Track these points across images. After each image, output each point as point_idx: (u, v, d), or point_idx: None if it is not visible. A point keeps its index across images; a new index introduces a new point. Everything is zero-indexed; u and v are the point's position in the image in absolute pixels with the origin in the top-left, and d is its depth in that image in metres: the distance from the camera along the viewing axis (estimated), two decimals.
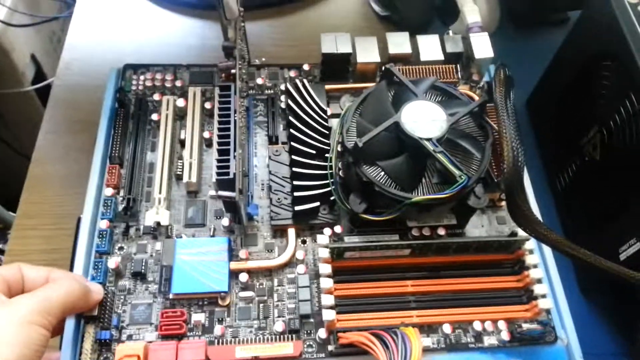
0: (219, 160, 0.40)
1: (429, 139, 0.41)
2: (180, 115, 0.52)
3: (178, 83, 0.53)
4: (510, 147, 0.36)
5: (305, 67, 0.55)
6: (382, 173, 0.43)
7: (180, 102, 0.51)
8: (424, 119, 0.42)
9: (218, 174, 0.39)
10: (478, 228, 0.48)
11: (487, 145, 0.44)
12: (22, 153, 1.00)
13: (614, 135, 0.49)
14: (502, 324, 0.43)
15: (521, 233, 0.44)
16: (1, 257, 0.98)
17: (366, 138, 0.41)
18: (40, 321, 0.34)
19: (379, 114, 0.44)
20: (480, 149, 0.44)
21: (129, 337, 0.41)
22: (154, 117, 0.51)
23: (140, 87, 0.53)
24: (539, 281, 0.43)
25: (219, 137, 0.41)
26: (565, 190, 0.57)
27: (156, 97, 0.52)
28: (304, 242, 0.47)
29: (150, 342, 0.41)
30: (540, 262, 0.44)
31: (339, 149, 0.46)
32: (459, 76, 0.53)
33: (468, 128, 0.46)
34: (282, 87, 0.54)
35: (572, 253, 0.37)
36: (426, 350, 0.42)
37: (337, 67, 0.54)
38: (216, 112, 0.43)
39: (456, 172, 0.40)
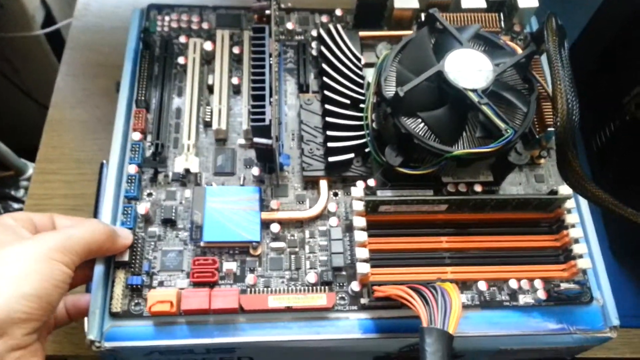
0: (253, 106, 0.38)
1: (473, 90, 0.40)
2: (207, 60, 0.49)
3: (205, 25, 0.51)
4: (566, 99, 0.34)
5: (338, 12, 0.52)
6: (422, 125, 0.41)
7: (208, 46, 0.49)
8: (468, 69, 0.40)
9: (253, 119, 0.38)
10: (515, 186, 0.47)
11: (532, 98, 0.42)
12: (33, 97, 0.98)
13: None
14: (538, 283, 0.42)
15: (562, 191, 0.42)
16: (13, 204, 0.98)
17: (408, 87, 0.39)
18: (61, 258, 0.34)
19: (420, 63, 0.42)
20: (525, 103, 0.42)
21: (160, 284, 0.41)
22: (181, 60, 0.49)
23: (166, 29, 0.51)
24: (577, 241, 0.42)
25: (254, 81, 0.39)
26: (601, 149, 0.56)
27: (182, 39, 0.50)
28: (335, 194, 0.45)
29: (182, 289, 0.40)
30: (579, 222, 0.43)
31: (375, 99, 0.44)
32: (501, 26, 0.50)
33: (512, 80, 0.44)
34: (314, 33, 0.51)
35: (619, 212, 0.36)
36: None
37: (372, 13, 0.51)
38: (249, 55, 0.42)
39: (502, 125, 0.39)
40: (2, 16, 0.82)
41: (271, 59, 0.40)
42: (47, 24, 0.91)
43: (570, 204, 0.43)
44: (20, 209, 0.90)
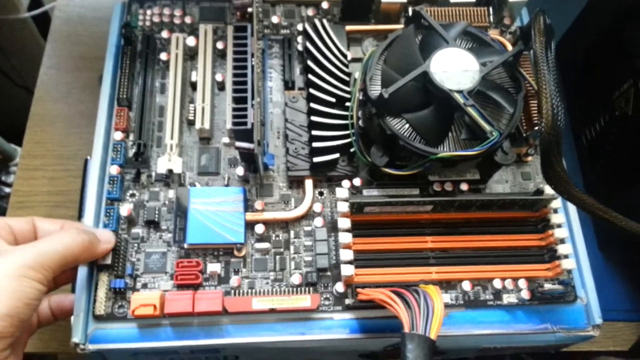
0: (235, 109, 0.38)
1: (459, 91, 0.39)
2: (190, 55, 0.48)
3: (187, 19, 0.49)
4: (551, 104, 0.34)
5: (324, 4, 0.51)
6: (407, 126, 0.41)
7: (191, 41, 0.48)
8: (454, 69, 0.39)
9: (234, 123, 0.37)
10: (502, 183, 0.47)
11: (519, 98, 0.42)
12: (20, 84, 0.97)
13: None
14: (522, 283, 0.42)
15: (547, 191, 0.42)
16: (4, 187, 0.97)
17: (392, 89, 0.39)
18: (34, 275, 0.33)
19: (406, 62, 0.41)
20: (511, 102, 0.41)
21: (144, 286, 0.41)
22: (163, 56, 0.48)
23: (148, 23, 0.49)
24: (562, 241, 0.42)
25: (235, 83, 0.38)
26: (590, 144, 0.55)
27: (164, 34, 0.48)
28: (321, 194, 0.45)
29: (166, 291, 0.40)
30: (565, 222, 0.43)
31: (361, 97, 0.43)
32: (490, 20, 0.49)
33: (500, 79, 0.43)
34: (300, 27, 0.50)
35: (604, 216, 0.36)
36: (444, 306, 0.41)
37: (359, 6, 0.50)
38: (231, 55, 0.40)
39: (487, 127, 0.38)
40: None
41: (253, 59, 0.39)
42: (34, 7, 0.89)
43: (556, 203, 0.42)
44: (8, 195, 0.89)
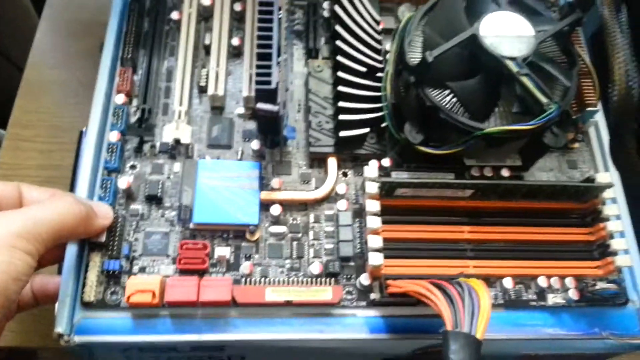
0: (259, 67, 0.33)
1: (512, 58, 0.34)
2: (204, 17, 0.44)
3: None
4: (625, 71, 0.29)
5: None
6: (449, 97, 0.36)
7: (206, 0, 0.43)
8: (507, 34, 0.35)
9: (258, 82, 0.32)
10: (545, 172, 0.42)
11: (574, 72, 0.37)
12: (10, 59, 0.91)
13: None
14: (569, 281, 0.37)
15: (600, 179, 0.38)
16: None
17: (438, 52, 0.34)
18: (24, 246, 0.28)
19: (451, 26, 0.36)
20: (567, 76, 0.36)
21: (142, 270, 0.36)
22: (174, 15, 0.43)
23: None
24: (613, 236, 0.38)
25: (260, 37, 0.33)
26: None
27: None
28: (345, 174, 0.40)
29: (167, 276, 0.35)
30: (617, 214, 0.38)
31: (394, 68, 0.39)
32: None
33: (551, 52, 0.39)
34: None
35: None
36: None
37: None
38: (253, 13, 0.36)
39: (544, 99, 0.33)
40: None
41: (280, 12, 0.34)
42: None
43: (609, 193, 0.38)
44: None
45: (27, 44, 0.54)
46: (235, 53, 0.43)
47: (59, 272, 0.36)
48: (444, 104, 0.36)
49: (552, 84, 0.37)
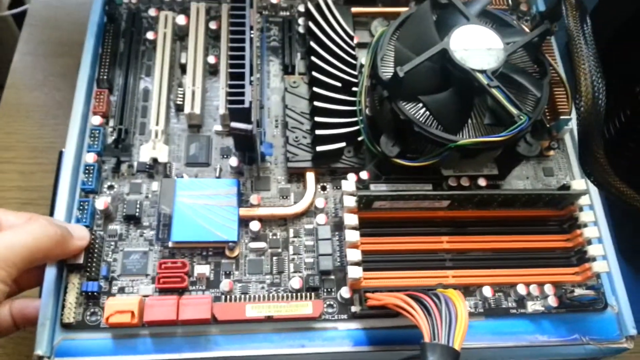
0: (231, 86, 0.33)
1: (482, 71, 0.35)
2: (180, 36, 0.44)
3: None
4: (591, 81, 0.30)
5: None
6: (423, 110, 0.37)
7: (181, 20, 0.43)
8: (476, 47, 0.36)
9: (231, 102, 0.32)
10: (522, 180, 0.42)
11: (544, 82, 0.38)
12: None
13: None
14: (548, 288, 0.38)
15: (575, 186, 0.38)
16: None
17: (408, 67, 0.34)
18: None
19: (422, 41, 0.37)
20: (538, 86, 0.37)
21: (121, 290, 0.36)
22: (150, 35, 0.43)
23: (134, 0, 0.45)
24: (591, 242, 0.38)
25: (232, 57, 0.34)
26: (613, 140, 0.51)
27: (152, 12, 0.44)
28: (323, 188, 0.40)
29: (146, 296, 0.35)
30: (594, 220, 0.39)
31: (369, 82, 0.39)
32: (509, 3, 0.45)
33: (522, 62, 0.39)
34: (301, 8, 0.46)
35: None
36: None
37: None
38: (227, 31, 0.36)
39: (514, 111, 0.34)
40: None
41: (252, 32, 0.34)
42: (15, 5, 0.85)
43: (585, 200, 0.38)
44: None
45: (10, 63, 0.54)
46: (211, 71, 0.43)
47: (40, 295, 0.36)
48: (417, 117, 0.36)
49: (523, 94, 0.37)
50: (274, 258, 0.38)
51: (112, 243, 0.37)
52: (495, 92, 0.34)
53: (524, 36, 0.38)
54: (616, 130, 0.51)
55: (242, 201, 0.39)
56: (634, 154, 0.49)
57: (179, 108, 0.41)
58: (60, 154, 0.46)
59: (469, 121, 0.37)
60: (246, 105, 0.32)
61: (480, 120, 0.37)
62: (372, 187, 0.39)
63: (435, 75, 0.37)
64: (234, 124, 0.33)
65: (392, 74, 0.35)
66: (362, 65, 0.43)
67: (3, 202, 0.48)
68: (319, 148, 0.39)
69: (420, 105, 0.36)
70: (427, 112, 0.36)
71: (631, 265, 0.51)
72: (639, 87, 0.48)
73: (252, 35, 0.34)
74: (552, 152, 0.43)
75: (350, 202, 0.36)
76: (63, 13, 0.56)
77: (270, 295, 0.36)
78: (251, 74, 0.33)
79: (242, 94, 0.33)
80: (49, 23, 0.56)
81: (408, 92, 0.36)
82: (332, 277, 0.37)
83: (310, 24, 0.43)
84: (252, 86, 0.33)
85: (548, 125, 0.41)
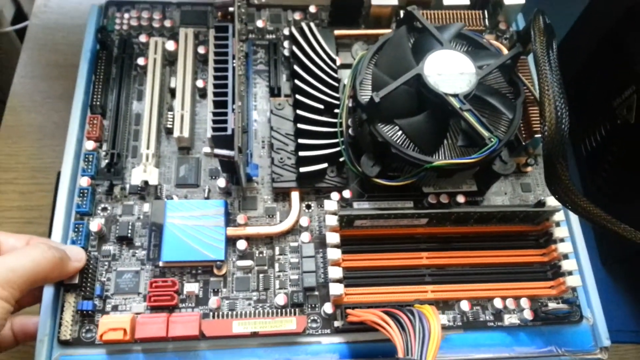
0: (215, 114, 0.35)
1: (454, 95, 0.36)
2: (170, 61, 0.46)
3: (167, 23, 0.47)
4: (554, 106, 0.31)
5: (312, 9, 0.49)
6: (400, 133, 0.38)
7: (170, 45, 0.45)
8: (449, 72, 0.37)
9: (214, 129, 0.34)
10: (501, 195, 0.44)
11: (518, 103, 0.39)
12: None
13: None
14: (524, 302, 0.39)
15: (549, 202, 0.39)
16: None
17: (383, 92, 0.36)
18: (1, 293, 0.31)
19: (398, 65, 0.38)
20: (510, 108, 0.38)
21: (114, 308, 0.37)
22: (140, 61, 0.45)
23: (125, 27, 0.47)
24: (566, 256, 0.39)
25: (215, 86, 0.35)
26: (590, 155, 0.53)
27: (142, 38, 0.46)
28: (308, 207, 0.42)
29: (138, 313, 0.37)
30: (568, 235, 0.40)
31: (351, 104, 0.41)
32: (486, 24, 0.47)
33: (497, 83, 0.41)
34: (286, 31, 0.48)
35: (612, 228, 0.33)
36: (442, 328, 0.38)
37: (348, 10, 0.48)
38: (211, 57, 0.38)
39: (485, 133, 0.35)
40: None
41: (234, 61, 0.36)
42: (18, 21, 0.87)
43: (559, 216, 0.40)
44: None
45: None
46: (201, 94, 0.45)
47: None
48: (395, 139, 0.38)
49: (497, 115, 0.39)
50: (261, 275, 0.39)
51: (106, 263, 0.39)
52: (467, 115, 0.36)
53: (498, 58, 0.39)
54: (597, 144, 0.53)
55: (230, 220, 0.40)
56: (612, 167, 0.50)
57: (169, 131, 0.43)
58: (58, 174, 0.48)
59: (445, 142, 0.38)
60: (228, 132, 0.34)
61: (455, 141, 0.38)
62: (355, 205, 0.41)
63: (411, 98, 0.38)
64: (217, 151, 0.34)
65: (369, 98, 0.37)
66: (345, 86, 0.44)
67: (4, 222, 0.50)
68: (302, 169, 0.40)
69: (397, 127, 0.38)
70: (404, 135, 0.38)
71: (612, 275, 0.52)
72: (616, 102, 0.49)
73: (234, 65, 0.36)
74: (529, 169, 0.45)
75: (332, 221, 0.38)
76: (60, 36, 0.58)
77: (257, 311, 0.38)
78: (233, 102, 0.35)
79: (225, 121, 0.34)
80: (46, 46, 0.58)
81: (385, 115, 0.38)
82: (316, 293, 0.39)
83: (294, 48, 0.44)
84: (234, 114, 0.35)
85: (524, 143, 0.42)
